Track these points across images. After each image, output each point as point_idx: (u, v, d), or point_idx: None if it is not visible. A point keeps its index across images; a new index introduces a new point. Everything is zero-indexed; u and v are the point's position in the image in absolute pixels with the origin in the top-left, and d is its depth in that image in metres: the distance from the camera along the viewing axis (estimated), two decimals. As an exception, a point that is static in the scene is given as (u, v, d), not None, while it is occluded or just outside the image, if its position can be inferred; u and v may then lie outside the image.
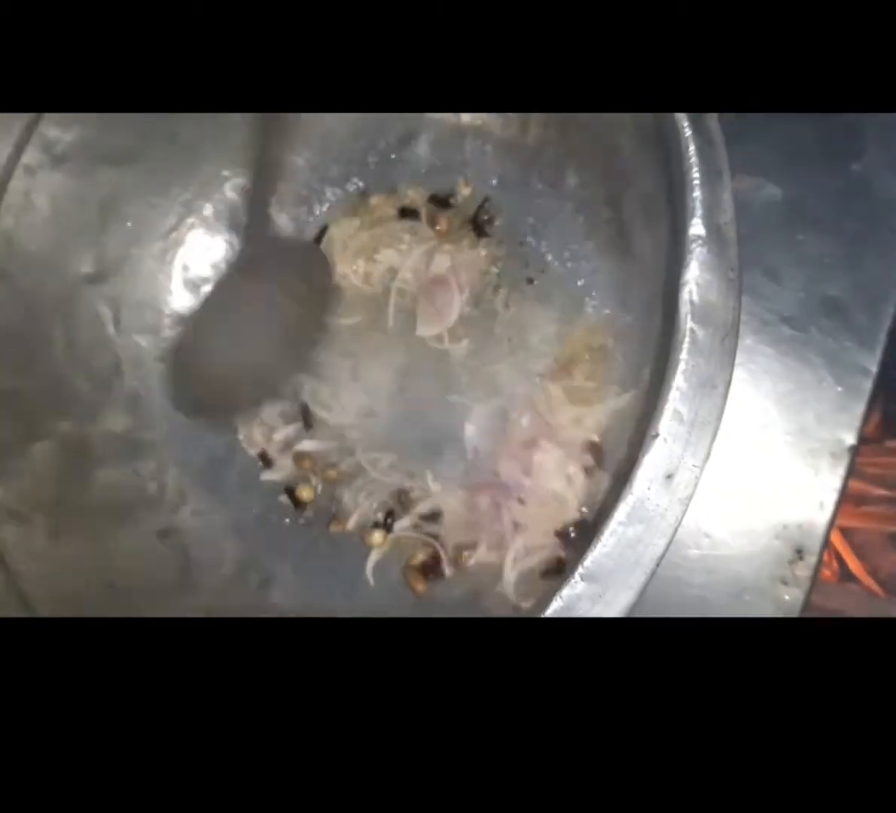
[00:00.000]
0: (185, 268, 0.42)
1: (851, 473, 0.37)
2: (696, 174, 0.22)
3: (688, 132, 0.22)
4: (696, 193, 0.22)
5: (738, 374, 0.39)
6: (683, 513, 0.21)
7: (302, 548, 0.39)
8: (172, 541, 0.36)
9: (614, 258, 0.37)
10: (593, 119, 0.35)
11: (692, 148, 0.22)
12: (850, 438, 0.37)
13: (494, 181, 0.40)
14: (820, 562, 0.36)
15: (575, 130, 0.38)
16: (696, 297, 0.21)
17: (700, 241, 0.21)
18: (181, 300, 0.42)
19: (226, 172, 0.42)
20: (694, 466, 0.21)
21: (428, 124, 0.41)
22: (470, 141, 0.41)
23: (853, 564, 0.48)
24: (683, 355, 0.21)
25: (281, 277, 0.38)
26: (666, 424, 0.21)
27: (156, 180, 0.41)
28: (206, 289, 0.41)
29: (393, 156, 0.42)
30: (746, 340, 0.38)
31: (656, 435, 0.21)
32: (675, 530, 0.21)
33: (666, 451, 0.21)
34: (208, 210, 0.42)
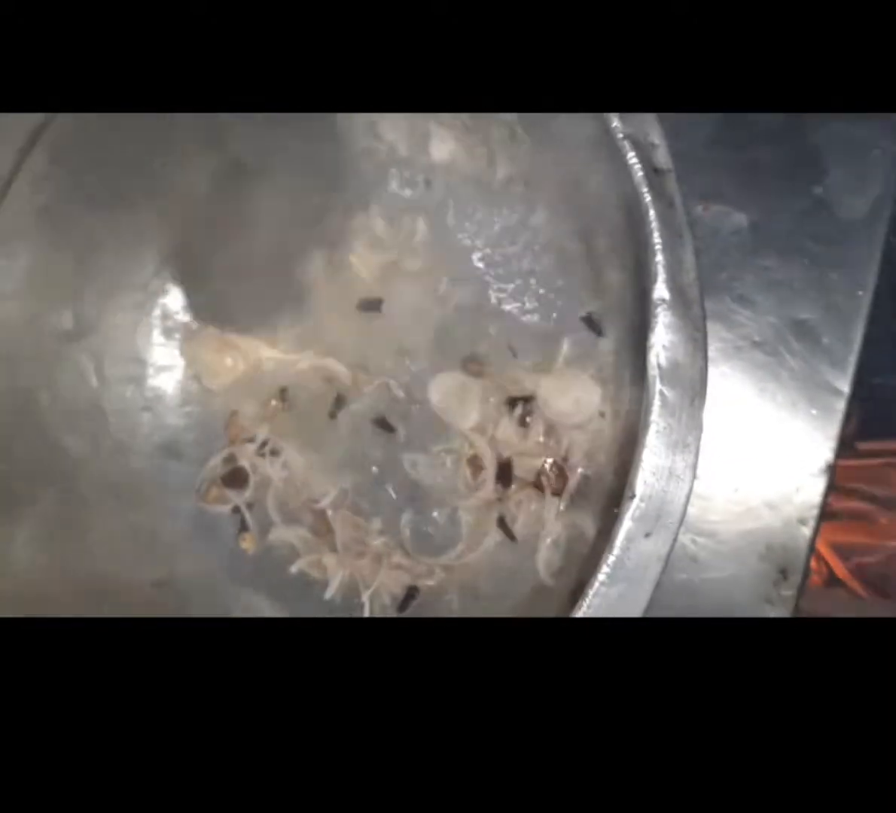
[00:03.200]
0: (165, 316, 0.42)
1: (831, 490, 0.38)
2: (657, 239, 0.22)
3: (647, 197, 0.23)
4: (659, 258, 0.22)
5: (714, 400, 0.40)
6: (663, 568, 0.22)
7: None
8: (168, 591, 0.37)
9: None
10: (558, 156, 0.36)
11: (652, 213, 0.23)
12: (828, 457, 0.38)
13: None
14: (804, 580, 0.37)
15: (541, 166, 0.39)
16: (663, 360, 0.22)
17: (664, 305, 0.22)
18: (162, 349, 0.42)
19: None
20: (670, 522, 0.22)
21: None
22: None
23: (839, 569, 0.49)
24: (654, 417, 0.22)
25: None
26: (641, 484, 0.22)
27: (132, 228, 0.41)
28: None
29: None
30: (721, 367, 0.39)
31: (633, 496, 0.22)
32: (655, 584, 0.22)
33: (642, 511, 0.22)
34: (185, 257, 0.42)
